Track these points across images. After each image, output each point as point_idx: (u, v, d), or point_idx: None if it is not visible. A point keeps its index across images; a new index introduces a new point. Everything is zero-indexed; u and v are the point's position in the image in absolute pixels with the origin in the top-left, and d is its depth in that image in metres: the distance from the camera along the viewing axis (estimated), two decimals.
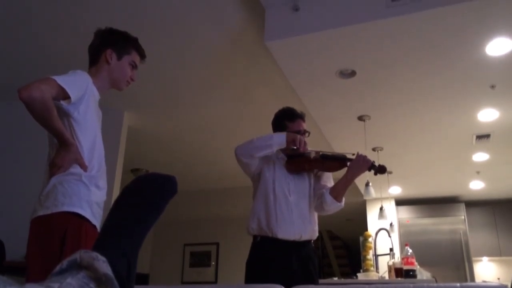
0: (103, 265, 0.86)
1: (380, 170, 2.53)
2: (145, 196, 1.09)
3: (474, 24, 2.95)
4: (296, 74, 3.64)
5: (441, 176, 6.21)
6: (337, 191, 2.50)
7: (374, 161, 2.55)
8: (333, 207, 2.52)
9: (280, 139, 2.46)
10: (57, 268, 0.84)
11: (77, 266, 0.84)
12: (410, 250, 3.91)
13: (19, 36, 3.55)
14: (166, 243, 8.53)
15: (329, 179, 2.66)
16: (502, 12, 2.84)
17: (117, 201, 1.10)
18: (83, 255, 0.86)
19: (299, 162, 2.58)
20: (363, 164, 2.47)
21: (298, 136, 2.45)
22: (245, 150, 2.54)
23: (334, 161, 2.55)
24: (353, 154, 2.53)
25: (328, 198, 2.49)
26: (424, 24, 2.97)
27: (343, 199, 2.54)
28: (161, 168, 6.24)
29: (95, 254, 0.87)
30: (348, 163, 2.51)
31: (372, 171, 2.54)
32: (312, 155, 2.59)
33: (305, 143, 2.46)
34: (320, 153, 2.58)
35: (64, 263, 0.85)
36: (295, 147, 2.44)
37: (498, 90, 3.78)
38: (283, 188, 2.53)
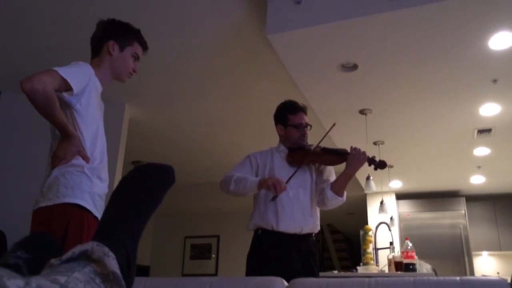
0: (112, 263, 0.85)
1: (380, 165, 2.54)
2: (143, 186, 1.09)
3: (477, 17, 2.94)
4: (298, 67, 3.63)
5: (442, 170, 6.21)
6: (338, 186, 2.51)
7: (374, 156, 2.55)
8: (335, 202, 2.53)
9: (252, 186, 2.45)
10: (69, 254, 0.84)
11: (86, 258, 0.84)
12: (410, 244, 3.92)
13: (19, 28, 3.54)
14: (167, 235, 8.56)
15: (331, 174, 2.67)
16: (505, 6, 2.83)
17: (116, 191, 1.09)
18: (96, 248, 0.86)
19: (300, 155, 2.59)
20: (361, 157, 2.48)
21: (270, 180, 2.39)
22: (225, 190, 2.59)
23: (335, 155, 2.56)
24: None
25: (330, 193, 2.50)
26: (426, 17, 2.96)
27: (345, 193, 2.55)
28: (162, 160, 6.22)
29: (106, 250, 0.86)
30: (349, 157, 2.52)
31: (372, 166, 2.55)
32: (313, 148, 2.59)
33: (279, 184, 2.34)
34: (321, 146, 2.59)
35: (76, 251, 0.84)
36: (273, 195, 2.38)
37: (500, 84, 3.77)
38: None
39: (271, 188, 2.34)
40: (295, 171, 2.48)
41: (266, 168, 2.60)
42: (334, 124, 2.63)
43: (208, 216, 8.31)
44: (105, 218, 1.05)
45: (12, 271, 0.75)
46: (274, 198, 2.40)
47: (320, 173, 2.65)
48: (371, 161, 2.53)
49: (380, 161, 2.54)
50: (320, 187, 2.57)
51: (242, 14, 3.37)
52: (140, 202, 1.06)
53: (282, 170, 2.57)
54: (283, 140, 2.69)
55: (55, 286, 0.73)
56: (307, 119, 2.68)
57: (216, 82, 4.39)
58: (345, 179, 2.50)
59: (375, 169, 2.55)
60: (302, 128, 2.63)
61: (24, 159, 4.24)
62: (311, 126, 2.69)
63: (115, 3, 3.22)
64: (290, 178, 2.46)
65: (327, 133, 2.61)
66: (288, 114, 2.65)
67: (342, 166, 2.56)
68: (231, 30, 3.56)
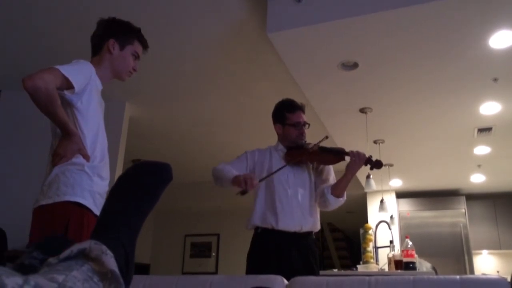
0: (111, 261, 0.85)
1: (377, 165, 2.53)
2: (141, 184, 1.09)
3: (478, 16, 2.94)
4: (298, 65, 3.63)
5: (442, 169, 6.21)
6: (339, 191, 2.53)
7: (371, 155, 2.55)
8: (336, 204, 2.56)
9: (228, 180, 2.47)
10: (67, 252, 0.84)
11: (84, 256, 0.84)
12: (410, 243, 3.92)
13: (19, 28, 3.54)
14: (167, 233, 8.56)
15: (330, 173, 2.67)
16: (505, 5, 2.83)
17: (113, 190, 1.09)
18: (93, 246, 0.86)
19: (298, 154, 2.59)
20: (359, 160, 2.49)
21: (242, 175, 2.38)
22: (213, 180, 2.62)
23: (333, 154, 2.56)
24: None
25: (331, 198, 2.51)
26: (427, 16, 2.96)
27: (345, 193, 2.57)
28: (162, 159, 6.20)
29: (104, 248, 0.86)
30: (346, 157, 2.52)
31: (368, 166, 2.54)
32: (311, 147, 2.59)
33: (251, 180, 2.31)
34: (319, 145, 2.59)
35: (74, 250, 0.84)
36: (242, 189, 2.33)
37: (501, 83, 3.77)
38: (282, 180, 2.54)
39: (242, 183, 2.31)
40: (279, 169, 2.48)
41: (265, 166, 2.60)
42: (326, 137, 2.62)
43: (208, 215, 8.31)
44: (103, 216, 1.05)
45: (28, 271, 0.75)
46: (243, 193, 2.33)
47: (319, 173, 2.65)
48: (368, 160, 2.53)
49: (376, 160, 2.53)
50: (320, 190, 2.57)
51: (242, 13, 3.37)
52: (138, 199, 1.07)
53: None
54: (281, 138, 2.69)
55: (53, 285, 0.73)
56: (305, 117, 2.68)
57: (216, 82, 4.39)
58: (346, 183, 2.52)
59: (371, 169, 2.54)
60: (300, 126, 2.63)
61: (24, 158, 4.24)
62: (309, 124, 2.69)
63: (115, 3, 3.22)
64: (270, 174, 2.47)
65: (318, 142, 2.59)
66: (286, 113, 2.65)
67: (341, 165, 2.56)
68: (232, 30, 3.55)
